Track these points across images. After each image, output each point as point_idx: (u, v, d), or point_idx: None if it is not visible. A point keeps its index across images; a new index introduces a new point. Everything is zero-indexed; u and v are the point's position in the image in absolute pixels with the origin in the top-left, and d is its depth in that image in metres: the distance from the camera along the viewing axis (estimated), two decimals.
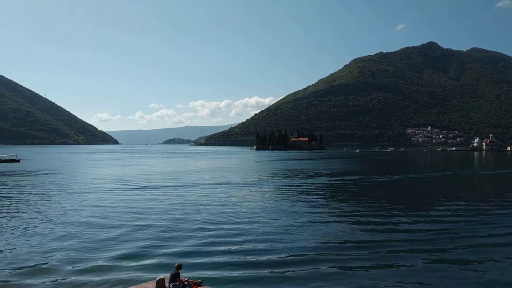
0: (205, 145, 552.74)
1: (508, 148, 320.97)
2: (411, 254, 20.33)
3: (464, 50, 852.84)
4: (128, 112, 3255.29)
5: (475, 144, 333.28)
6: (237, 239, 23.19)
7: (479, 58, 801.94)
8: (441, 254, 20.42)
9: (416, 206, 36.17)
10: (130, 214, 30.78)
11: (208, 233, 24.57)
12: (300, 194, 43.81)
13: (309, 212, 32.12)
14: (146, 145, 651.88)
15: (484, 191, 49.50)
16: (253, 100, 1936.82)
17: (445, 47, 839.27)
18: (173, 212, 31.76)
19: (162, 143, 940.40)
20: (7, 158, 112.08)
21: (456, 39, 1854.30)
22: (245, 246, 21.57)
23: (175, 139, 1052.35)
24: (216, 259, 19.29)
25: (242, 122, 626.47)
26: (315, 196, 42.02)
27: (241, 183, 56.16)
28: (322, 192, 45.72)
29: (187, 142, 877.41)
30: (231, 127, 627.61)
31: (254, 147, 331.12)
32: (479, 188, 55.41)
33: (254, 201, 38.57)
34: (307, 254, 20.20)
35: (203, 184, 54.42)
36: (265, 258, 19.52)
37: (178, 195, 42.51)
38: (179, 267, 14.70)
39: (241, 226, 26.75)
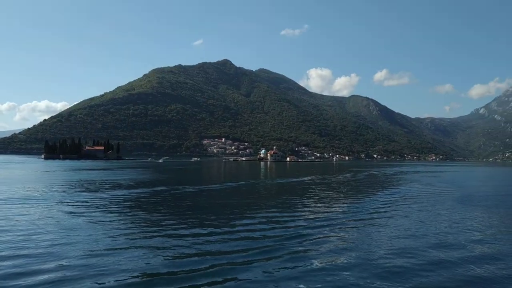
0: None
1: (288, 159, 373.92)
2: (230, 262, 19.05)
3: (254, 70, 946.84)
4: None
5: (261, 155, 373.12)
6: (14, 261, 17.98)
7: (266, 78, 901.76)
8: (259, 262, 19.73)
9: (221, 216, 35.83)
10: None
11: None
12: (97, 208, 38.95)
13: (106, 226, 28.19)
14: None
15: (275, 199, 53.13)
16: (42, 104, 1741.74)
17: (238, 66, 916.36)
18: None
19: None
20: None
21: (247, 59, 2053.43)
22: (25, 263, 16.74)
23: None
24: None
25: (29, 128, 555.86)
26: (114, 211, 37.93)
27: (25, 197, 47.23)
28: (123, 205, 41.75)
29: None
30: (15, 133, 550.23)
31: (43, 156, 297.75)
32: (271, 196, 59.48)
33: (40, 218, 32.23)
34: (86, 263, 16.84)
35: None
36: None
37: None
38: None
39: (20, 244, 21.27)
